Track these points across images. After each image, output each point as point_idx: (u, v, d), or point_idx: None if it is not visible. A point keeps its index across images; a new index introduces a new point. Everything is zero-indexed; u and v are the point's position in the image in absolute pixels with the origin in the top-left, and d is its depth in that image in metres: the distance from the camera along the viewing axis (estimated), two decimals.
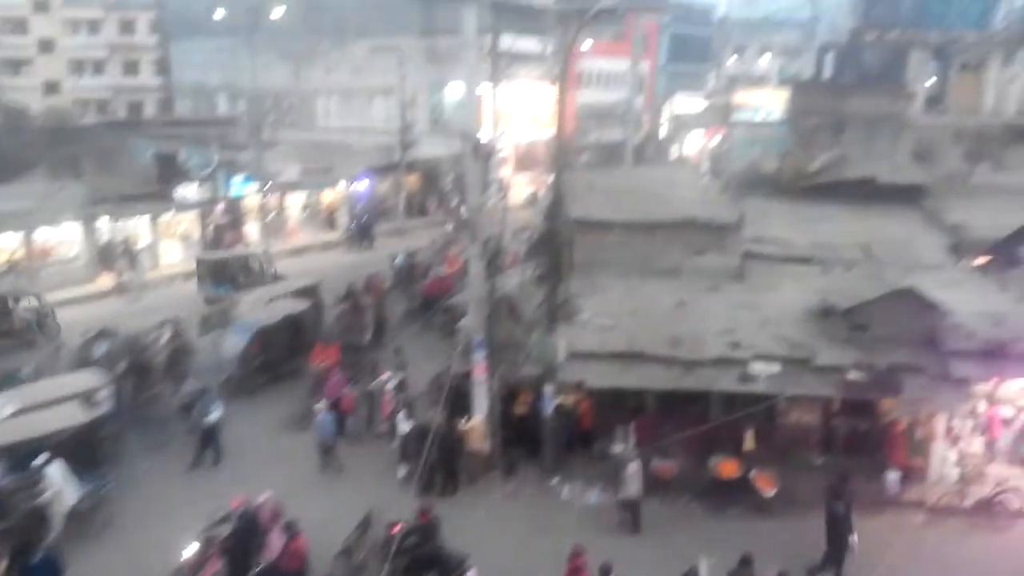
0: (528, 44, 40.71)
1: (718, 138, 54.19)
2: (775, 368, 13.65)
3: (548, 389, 14.18)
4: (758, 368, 13.65)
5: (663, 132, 54.72)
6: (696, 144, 57.38)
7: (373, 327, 20.97)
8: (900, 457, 14.29)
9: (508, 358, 15.16)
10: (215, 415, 15.11)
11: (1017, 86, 30.24)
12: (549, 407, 14.26)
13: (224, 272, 24.60)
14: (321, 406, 15.23)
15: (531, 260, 16.81)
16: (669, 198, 19.27)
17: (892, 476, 13.98)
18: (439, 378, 16.23)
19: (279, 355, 18.77)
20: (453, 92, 39.02)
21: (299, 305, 20.10)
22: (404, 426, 14.72)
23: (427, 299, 22.87)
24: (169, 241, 29.21)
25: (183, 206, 29.45)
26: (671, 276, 17.82)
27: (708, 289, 17.24)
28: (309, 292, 21.53)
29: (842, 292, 15.58)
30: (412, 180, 38.71)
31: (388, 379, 16.32)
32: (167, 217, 29.07)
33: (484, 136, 27.77)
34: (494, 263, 14.77)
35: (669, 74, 55.69)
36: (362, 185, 36.09)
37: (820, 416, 14.74)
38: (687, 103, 58.55)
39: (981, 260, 19.93)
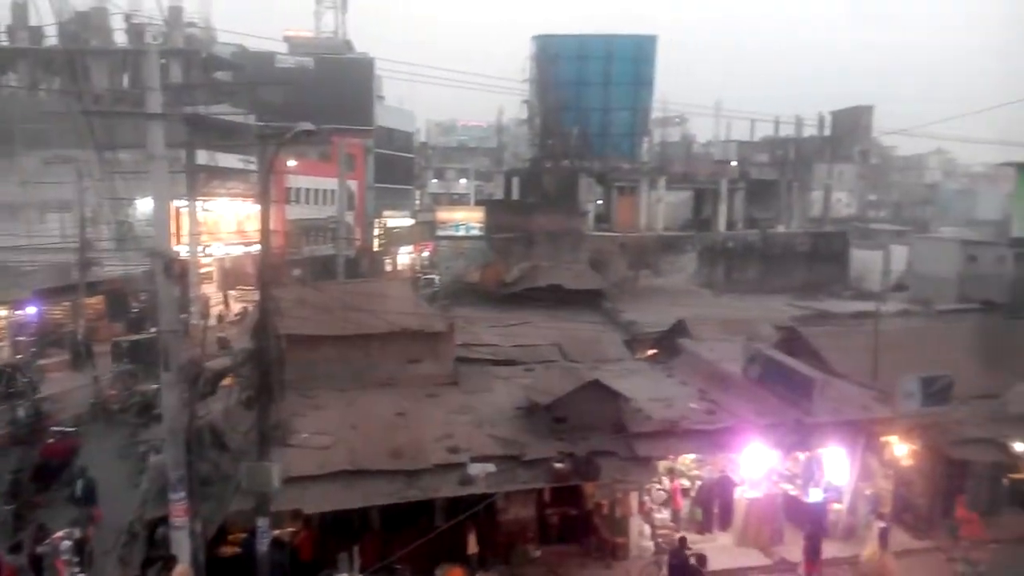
0: (230, 160, 39.59)
1: (426, 252, 57.21)
2: (491, 468, 14.18)
3: (262, 523, 13.04)
4: (476, 469, 14.05)
5: (375, 246, 56.13)
6: (407, 257, 59.87)
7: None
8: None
9: (214, 494, 13.73)
10: None
11: (662, 207, 36.63)
12: (264, 543, 13.08)
13: (137, 351, 26.06)
14: None
15: (238, 382, 15.68)
16: (383, 310, 19.60)
17: None
18: (130, 528, 14.08)
19: None
20: (142, 207, 36.14)
21: None
22: None
23: (46, 463, 18.54)
24: None
25: None
26: (389, 387, 17.95)
27: (426, 396, 17.65)
28: None
29: (544, 389, 16.94)
30: (94, 303, 34.39)
31: (62, 539, 13.72)
32: None
33: (179, 253, 25.97)
34: (194, 389, 13.50)
35: (377, 192, 57.84)
36: (30, 310, 31.12)
37: (535, 509, 15.53)
38: (397, 219, 61.17)
39: (651, 351, 23.26)
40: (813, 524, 15.73)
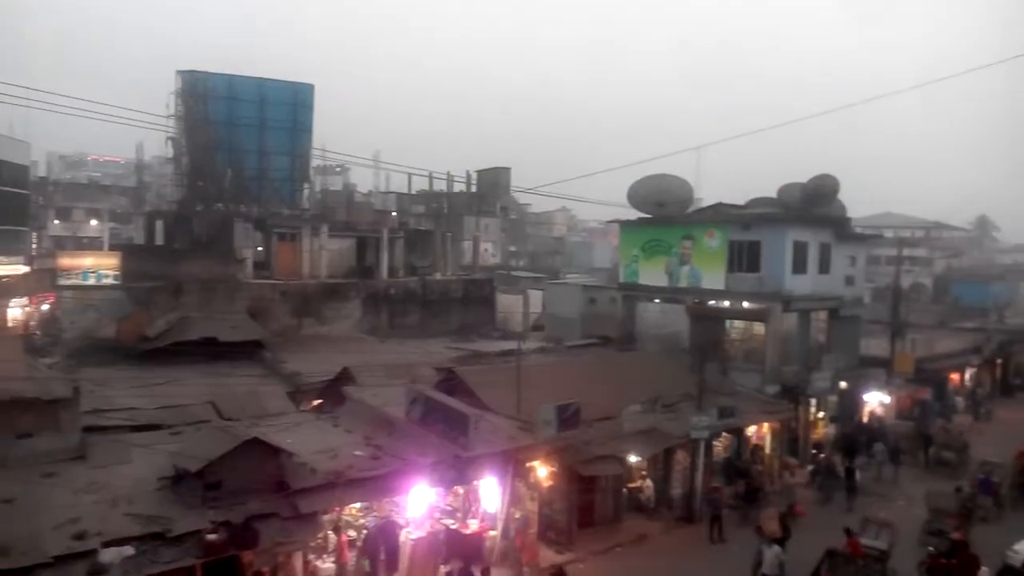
0: None
1: (45, 305, 48.70)
2: (129, 551, 12.44)
3: None
4: (109, 556, 12.21)
5: None
6: (18, 312, 50.30)
7: None
8: None
9: None
10: None
11: (325, 254, 36.38)
12: None
13: None
14: None
15: None
16: None
17: None
18: None
19: None
20: None
21: None
22: None
23: None
24: None
25: None
26: None
27: (42, 476, 14.94)
28: None
29: (195, 453, 15.43)
30: None
31: None
32: None
33: None
34: None
35: None
36: None
37: None
38: (5, 267, 51.18)
39: (316, 402, 22.73)
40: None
